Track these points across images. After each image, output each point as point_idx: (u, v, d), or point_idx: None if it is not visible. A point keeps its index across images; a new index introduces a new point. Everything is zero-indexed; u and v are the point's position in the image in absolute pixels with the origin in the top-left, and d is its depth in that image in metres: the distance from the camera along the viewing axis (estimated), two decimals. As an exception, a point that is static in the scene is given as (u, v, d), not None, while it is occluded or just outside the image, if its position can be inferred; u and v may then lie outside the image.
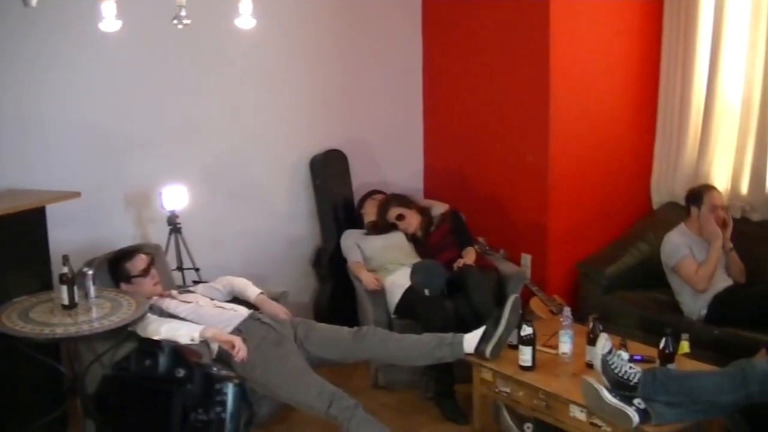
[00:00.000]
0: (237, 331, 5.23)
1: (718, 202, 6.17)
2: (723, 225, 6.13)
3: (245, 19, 5.12)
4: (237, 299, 5.79)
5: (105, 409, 4.30)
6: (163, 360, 3.78)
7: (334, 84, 7.32)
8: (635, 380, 4.26)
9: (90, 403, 4.54)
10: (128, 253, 5.58)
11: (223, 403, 3.66)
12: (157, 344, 3.78)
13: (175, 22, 4.53)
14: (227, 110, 6.74)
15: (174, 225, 6.20)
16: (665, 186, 7.26)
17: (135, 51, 6.11)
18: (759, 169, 6.52)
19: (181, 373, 3.78)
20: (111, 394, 4.20)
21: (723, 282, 6.12)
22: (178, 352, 3.89)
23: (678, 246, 6.20)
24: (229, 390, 3.72)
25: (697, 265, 6.09)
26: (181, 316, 5.30)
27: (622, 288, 6.72)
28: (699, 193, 6.25)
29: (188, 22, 4.55)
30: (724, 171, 6.78)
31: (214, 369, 3.74)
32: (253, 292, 5.74)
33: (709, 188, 6.26)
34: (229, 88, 6.72)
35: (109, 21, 4.63)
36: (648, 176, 7.41)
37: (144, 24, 5.68)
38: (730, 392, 4.23)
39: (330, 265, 7.06)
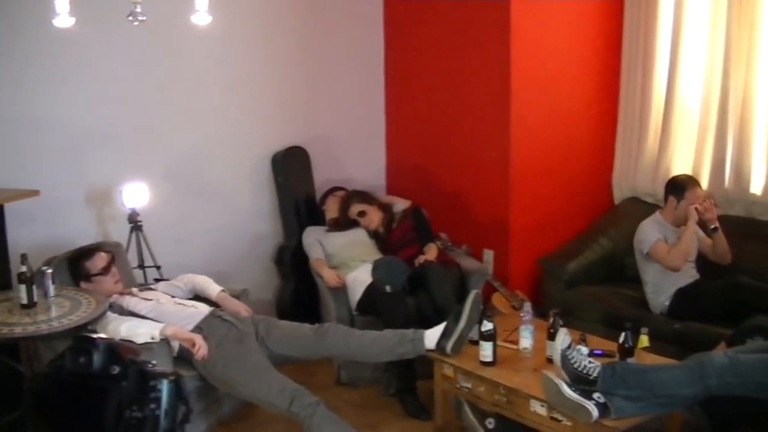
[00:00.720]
0: (198, 329, 5.22)
1: (699, 201, 6.15)
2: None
3: (201, 16, 5.09)
4: (198, 297, 5.76)
5: (40, 407, 4.26)
6: (97, 357, 3.74)
7: (297, 81, 7.30)
8: (594, 374, 4.27)
9: (26, 402, 4.51)
10: (88, 252, 5.54)
11: (158, 400, 3.63)
12: (92, 341, 3.74)
13: (130, 18, 4.51)
14: (189, 107, 6.69)
15: (135, 223, 6.15)
16: (626, 181, 7.31)
17: (94, 47, 6.06)
18: (719, 164, 6.59)
19: (115, 370, 3.74)
20: (46, 393, 4.17)
21: (688, 277, 6.15)
22: (114, 349, 3.85)
23: (651, 232, 6.24)
24: (164, 387, 3.69)
25: (668, 247, 6.15)
26: (142, 314, 5.28)
27: (585, 283, 6.76)
28: (682, 186, 6.23)
29: (143, 18, 4.52)
30: (685, 166, 6.83)
31: (150, 365, 3.71)
32: (214, 289, 5.72)
33: (694, 183, 6.23)
34: (191, 85, 6.67)
35: (63, 17, 4.59)
36: (609, 172, 7.45)
37: (103, 20, 5.64)
38: (689, 385, 4.25)
39: (292, 263, 7.03)
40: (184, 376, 5.00)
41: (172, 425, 3.76)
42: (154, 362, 3.92)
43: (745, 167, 6.45)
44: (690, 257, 6.19)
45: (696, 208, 6.07)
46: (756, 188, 6.47)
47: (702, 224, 6.15)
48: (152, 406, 3.69)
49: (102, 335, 4.25)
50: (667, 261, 6.10)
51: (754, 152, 6.41)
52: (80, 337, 3.94)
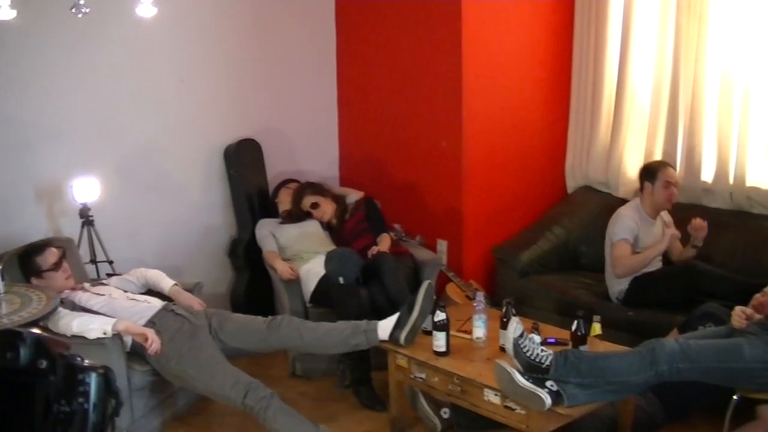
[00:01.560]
0: (151, 323, 5.19)
1: (671, 179, 6.19)
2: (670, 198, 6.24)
3: (146, 8, 5.05)
4: (152, 291, 5.73)
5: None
6: (24, 352, 3.68)
7: (248, 74, 7.27)
8: (547, 363, 4.28)
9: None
10: (38, 248, 5.50)
11: (86, 394, 3.57)
12: (19, 336, 3.70)
13: (73, 10, 4.46)
14: (140, 101, 6.64)
15: (86, 218, 6.11)
16: (579, 170, 7.34)
17: (40, 41, 6.00)
18: (670, 152, 6.65)
19: (43, 364, 3.69)
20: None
21: (647, 267, 6.19)
22: (42, 343, 3.81)
23: (626, 227, 6.24)
24: (93, 380, 3.64)
25: (629, 252, 6.17)
26: (94, 309, 5.24)
27: (538, 272, 6.80)
28: (654, 169, 6.26)
29: (87, 11, 4.48)
30: (636, 155, 6.88)
31: (78, 359, 3.67)
32: (167, 283, 5.70)
33: (664, 164, 6.28)
34: (141, 78, 6.62)
35: (5, 10, 4.53)
36: (562, 161, 7.50)
37: (48, 12, 5.60)
38: (641, 372, 4.29)
39: (246, 256, 7.02)
40: (136, 369, 5.06)
41: (101, 419, 3.72)
42: (81, 356, 3.88)
43: (696, 155, 6.49)
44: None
45: (669, 198, 6.15)
46: (707, 176, 6.53)
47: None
48: (80, 399, 3.64)
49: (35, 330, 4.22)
50: (617, 264, 6.19)
51: (705, 141, 6.46)
52: (6, 332, 3.91)
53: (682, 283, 5.92)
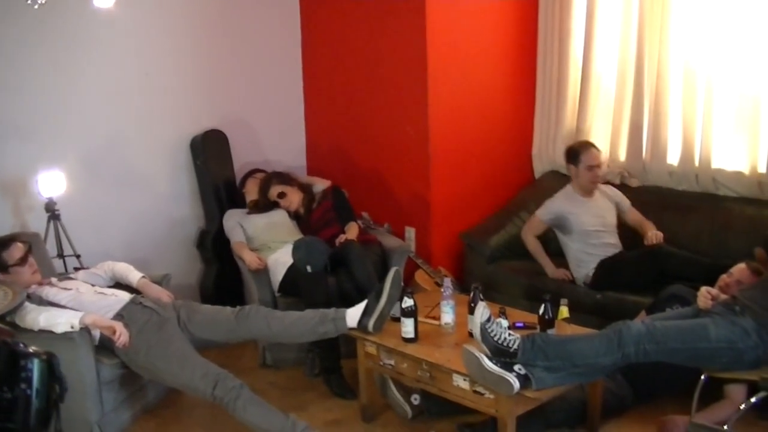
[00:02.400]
0: (119, 316, 5.17)
1: (595, 162, 6.27)
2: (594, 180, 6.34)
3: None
4: (120, 285, 5.70)
5: None
6: None
7: (213, 65, 7.26)
8: (515, 347, 4.29)
9: None
10: (4, 243, 5.44)
11: (29, 380, 3.58)
12: None
13: (29, 2, 4.43)
14: (105, 94, 6.62)
15: (52, 212, 6.09)
16: (546, 155, 7.37)
17: (2, 34, 5.97)
18: (635, 137, 6.69)
19: None
20: None
21: (611, 249, 6.23)
22: None
23: (548, 209, 6.44)
24: (35, 366, 3.65)
25: (538, 229, 6.47)
26: (62, 303, 5.21)
27: (506, 257, 6.83)
28: (576, 152, 6.34)
29: (42, 1, 4.45)
30: (602, 140, 6.91)
31: (21, 345, 3.66)
32: (135, 276, 5.67)
33: (587, 146, 6.34)
34: (105, 71, 6.60)
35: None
36: (529, 146, 7.52)
37: (7, 4, 5.56)
38: (608, 354, 4.30)
39: (214, 247, 7.01)
40: (105, 363, 5.03)
41: (45, 404, 3.71)
42: (24, 343, 3.86)
43: (662, 138, 6.53)
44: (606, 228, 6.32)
45: (593, 180, 6.32)
46: (672, 158, 6.55)
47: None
48: (23, 386, 3.64)
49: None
50: (523, 231, 6.56)
51: (670, 123, 6.50)
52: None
53: (649, 266, 5.95)
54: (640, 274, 5.96)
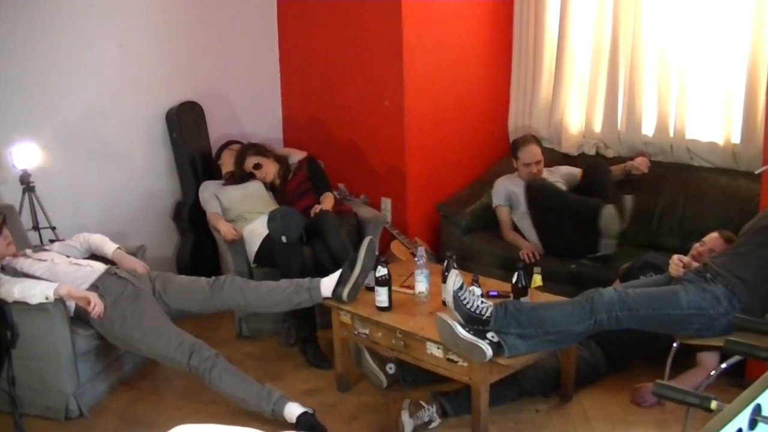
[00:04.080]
0: (94, 287, 5.17)
1: (530, 160, 6.41)
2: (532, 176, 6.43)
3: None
4: (95, 256, 5.69)
5: None
6: None
7: (189, 37, 7.21)
8: (487, 314, 4.31)
9: None
10: (-22, 216, 5.45)
11: None
12: None
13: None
14: (78, 66, 6.56)
15: (27, 184, 6.06)
16: (522, 127, 7.39)
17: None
18: (611, 108, 6.73)
19: None
20: None
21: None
22: None
23: (498, 194, 6.64)
24: None
25: (507, 215, 6.59)
26: (36, 275, 5.19)
27: (482, 228, 6.85)
28: (515, 148, 6.54)
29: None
30: (578, 111, 6.94)
31: None
32: (110, 247, 5.66)
33: (526, 142, 6.48)
34: (79, 43, 6.54)
35: None
36: (505, 118, 7.53)
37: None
38: (580, 321, 4.33)
39: (190, 218, 7.00)
40: (80, 334, 5.03)
41: None
42: None
43: (637, 109, 6.55)
44: None
45: (530, 176, 6.42)
46: (647, 129, 6.58)
47: None
48: None
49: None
50: (503, 228, 6.59)
51: (645, 95, 6.52)
52: None
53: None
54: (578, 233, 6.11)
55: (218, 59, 7.41)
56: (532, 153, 6.40)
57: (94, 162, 6.76)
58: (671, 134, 6.39)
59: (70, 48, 6.49)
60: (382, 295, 4.95)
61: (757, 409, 2.11)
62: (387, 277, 4.94)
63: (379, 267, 4.94)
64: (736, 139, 6.07)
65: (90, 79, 6.65)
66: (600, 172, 6.30)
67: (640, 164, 6.36)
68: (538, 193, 6.23)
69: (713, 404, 2.16)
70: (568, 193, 6.31)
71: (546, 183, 6.30)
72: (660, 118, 6.43)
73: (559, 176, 6.55)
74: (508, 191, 6.53)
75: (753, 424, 2.10)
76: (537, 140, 6.55)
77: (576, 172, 6.55)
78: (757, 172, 5.02)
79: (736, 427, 2.02)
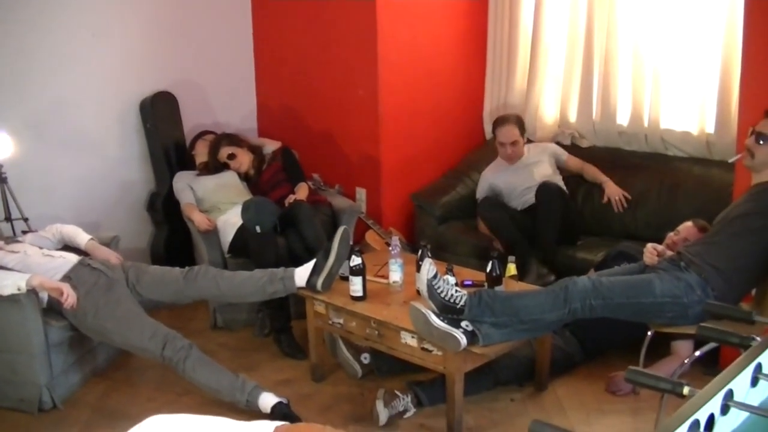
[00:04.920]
0: (67, 278, 5.13)
1: (504, 140, 6.41)
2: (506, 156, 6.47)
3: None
4: (68, 247, 5.66)
5: None
6: None
7: (162, 26, 7.17)
8: (461, 303, 4.30)
9: None
10: (-51, 207, 5.42)
11: None
12: None
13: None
14: (50, 55, 6.51)
15: (-1, 175, 6.04)
16: (497, 116, 7.34)
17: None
18: (585, 98, 6.74)
19: None
20: None
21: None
22: None
23: (481, 188, 6.70)
24: None
25: None
26: (9, 266, 5.15)
27: (457, 218, 6.87)
28: (495, 124, 6.53)
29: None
30: (553, 101, 6.95)
31: None
32: (83, 238, 5.63)
33: (503, 122, 6.45)
34: (51, 32, 6.49)
35: None
36: (480, 107, 7.53)
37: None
38: (554, 310, 4.32)
39: (164, 209, 6.97)
40: (53, 325, 5.01)
41: None
42: None
43: (612, 99, 6.57)
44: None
45: (503, 156, 6.46)
46: (622, 119, 6.59)
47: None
48: None
49: None
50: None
51: (619, 85, 6.53)
52: None
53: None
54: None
55: (192, 49, 7.37)
56: (507, 133, 6.37)
57: (67, 152, 6.71)
58: (646, 124, 6.40)
59: (41, 37, 6.43)
60: (356, 285, 4.93)
61: (730, 394, 2.12)
62: (361, 266, 4.93)
63: (354, 256, 4.94)
64: (710, 128, 6.09)
65: (62, 69, 6.60)
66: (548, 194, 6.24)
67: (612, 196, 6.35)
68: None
69: (686, 390, 2.16)
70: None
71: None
72: (634, 108, 6.44)
73: (546, 155, 6.54)
74: (489, 185, 6.55)
75: (725, 409, 2.10)
76: (518, 121, 6.48)
77: (561, 154, 6.59)
78: (730, 160, 5.02)
79: (709, 412, 2.02)
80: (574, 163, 6.56)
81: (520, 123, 6.46)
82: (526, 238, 6.06)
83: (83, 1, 6.65)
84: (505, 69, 7.28)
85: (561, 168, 6.56)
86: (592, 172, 6.48)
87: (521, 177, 6.41)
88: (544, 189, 6.09)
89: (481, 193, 6.62)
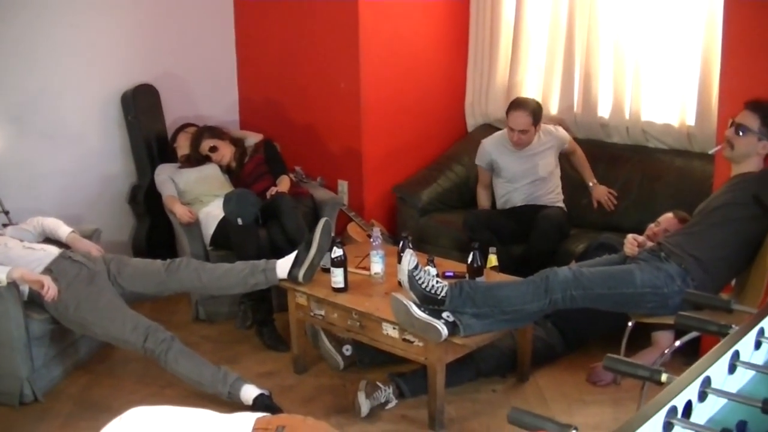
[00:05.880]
0: (48, 270, 5.12)
1: (513, 126, 6.18)
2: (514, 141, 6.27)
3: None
4: (50, 240, 5.64)
5: None
6: None
7: (143, 18, 7.12)
8: (443, 294, 4.31)
9: None
10: (-69, 199, 5.40)
11: None
12: None
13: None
14: (30, 47, 6.47)
15: (-21, 168, 6.02)
16: (479, 109, 7.39)
17: None
18: (567, 90, 6.74)
19: None
20: None
21: (537, 199, 6.33)
22: None
23: (479, 154, 6.51)
24: None
25: (485, 177, 6.53)
26: (-11, 259, 5.15)
27: (439, 210, 6.87)
28: (509, 106, 6.29)
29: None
30: (535, 94, 6.91)
31: None
32: (64, 231, 5.61)
33: (515, 108, 6.22)
34: (31, 25, 6.46)
35: None
36: (462, 100, 7.52)
37: None
38: (535, 300, 4.34)
39: (146, 202, 6.94)
40: (34, 318, 5.01)
41: None
42: None
43: (593, 92, 6.57)
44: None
45: (512, 141, 6.25)
46: (603, 111, 6.60)
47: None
48: None
49: None
50: (478, 183, 6.57)
51: (601, 77, 6.54)
52: None
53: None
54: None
55: (174, 42, 7.33)
56: (517, 120, 6.15)
57: (48, 145, 6.67)
58: (627, 116, 6.41)
59: (21, 28, 6.40)
60: (337, 276, 4.94)
61: (707, 381, 2.13)
62: (343, 258, 4.95)
63: (335, 248, 4.95)
64: (690, 121, 6.10)
65: (43, 61, 6.56)
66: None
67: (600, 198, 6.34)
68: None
69: (664, 377, 2.17)
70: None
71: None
72: (616, 101, 6.45)
73: (554, 144, 6.38)
74: (490, 160, 6.40)
75: (703, 396, 2.11)
76: (535, 109, 6.21)
77: (565, 141, 6.43)
78: (710, 152, 5.05)
79: (686, 399, 2.03)
80: (571, 147, 6.45)
81: (535, 112, 6.20)
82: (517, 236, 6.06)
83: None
84: (486, 61, 7.27)
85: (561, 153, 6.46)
86: (582, 161, 6.43)
87: (525, 167, 6.29)
88: (545, 221, 5.98)
89: (480, 161, 6.47)
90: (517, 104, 6.25)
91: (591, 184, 6.35)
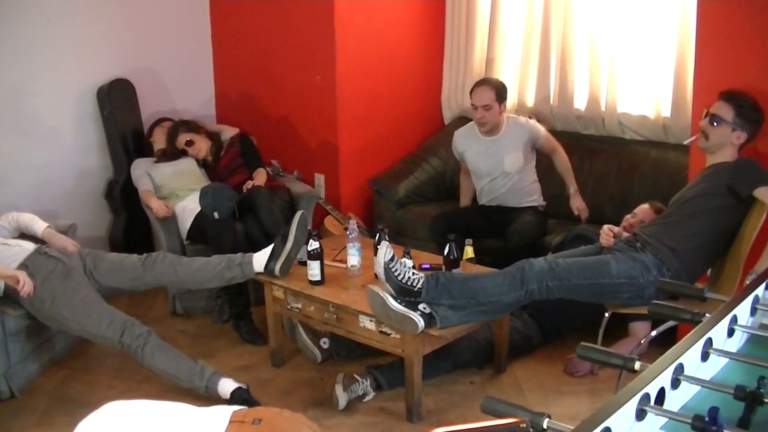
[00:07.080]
0: (23, 266, 5.08)
1: (476, 102, 6.06)
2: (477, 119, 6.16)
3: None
4: (25, 235, 5.61)
5: None
6: None
7: (118, 13, 7.08)
8: (419, 285, 4.32)
9: None
10: None
11: None
12: None
13: None
14: (5, 42, 6.44)
15: (-46, 163, 5.99)
16: (455, 101, 7.40)
17: None
18: (543, 82, 6.77)
19: None
20: None
21: (502, 198, 6.28)
22: None
23: (453, 147, 6.44)
24: None
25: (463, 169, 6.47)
26: (-36, 256, 5.13)
27: (416, 203, 6.89)
28: (471, 88, 6.19)
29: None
30: (511, 86, 6.89)
31: None
32: (40, 226, 5.57)
33: (478, 84, 6.13)
34: (5, 19, 6.41)
35: None
36: (438, 92, 7.53)
37: None
38: (511, 291, 4.35)
39: (122, 197, 6.91)
40: (10, 314, 4.98)
41: None
42: None
43: (569, 84, 6.59)
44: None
45: (476, 119, 6.18)
46: (579, 103, 6.63)
47: None
48: None
49: None
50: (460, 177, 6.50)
51: (577, 69, 6.56)
52: None
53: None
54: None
55: (149, 36, 7.30)
56: (480, 95, 6.03)
57: (23, 140, 6.64)
58: (603, 108, 6.44)
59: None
60: (314, 269, 4.95)
61: (680, 368, 2.14)
62: (319, 250, 4.95)
63: (311, 241, 4.95)
64: (666, 112, 6.13)
65: (17, 56, 6.52)
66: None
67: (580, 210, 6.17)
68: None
69: (637, 365, 2.18)
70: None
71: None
72: (592, 93, 6.48)
73: (524, 139, 6.17)
74: (461, 151, 6.33)
75: (676, 383, 2.12)
76: (497, 86, 6.10)
77: (539, 137, 6.23)
78: (685, 142, 5.06)
79: (659, 386, 2.04)
80: (549, 145, 6.26)
81: (499, 89, 6.07)
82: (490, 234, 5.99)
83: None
84: (463, 54, 7.28)
85: (536, 149, 6.30)
86: (563, 163, 6.24)
87: (490, 160, 6.16)
88: (515, 236, 5.83)
89: (454, 152, 6.41)
90: (480, 82, 6.19)
91: (572, 189, 6.17)
